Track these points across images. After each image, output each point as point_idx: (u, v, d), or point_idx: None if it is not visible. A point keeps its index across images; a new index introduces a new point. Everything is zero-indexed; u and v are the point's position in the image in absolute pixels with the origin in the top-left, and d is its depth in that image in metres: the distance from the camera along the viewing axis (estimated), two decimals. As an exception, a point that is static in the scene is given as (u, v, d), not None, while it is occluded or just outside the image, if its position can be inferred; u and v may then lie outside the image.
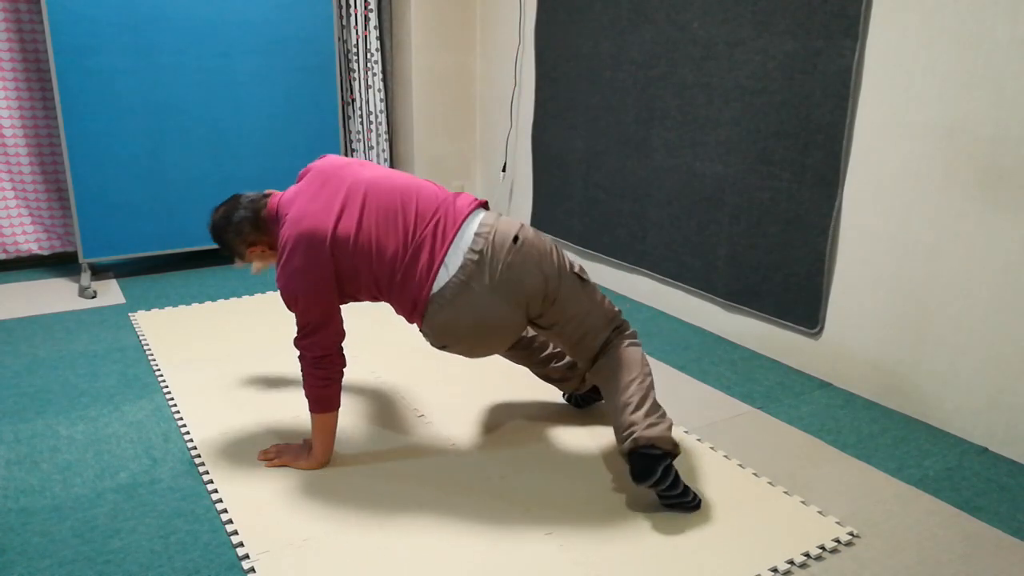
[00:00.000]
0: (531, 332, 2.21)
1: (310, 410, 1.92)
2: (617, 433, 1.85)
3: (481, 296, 1.80)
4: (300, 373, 1.94)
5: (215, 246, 3.58)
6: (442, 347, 1.90)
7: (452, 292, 1.80)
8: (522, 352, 2.22)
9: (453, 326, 1.83)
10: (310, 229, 1.81)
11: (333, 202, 1.84)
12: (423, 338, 2.86)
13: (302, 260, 1.80)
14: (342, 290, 1.88)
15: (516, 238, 1.83)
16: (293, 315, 1.95)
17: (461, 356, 2.13)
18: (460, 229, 1.84)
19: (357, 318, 3.03)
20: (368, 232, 1.83)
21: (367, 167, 1.94)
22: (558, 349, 2.21)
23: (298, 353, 1.90)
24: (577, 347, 1.98)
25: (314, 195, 1.87)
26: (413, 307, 1.84)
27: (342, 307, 3.08)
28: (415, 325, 2.01)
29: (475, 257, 1.80)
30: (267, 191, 2.01)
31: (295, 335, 1.91)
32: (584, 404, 2.33)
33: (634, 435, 1.78)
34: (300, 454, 2.00)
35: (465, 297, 1.80)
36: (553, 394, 2.41)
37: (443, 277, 1.80)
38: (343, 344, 2.01)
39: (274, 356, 2.66)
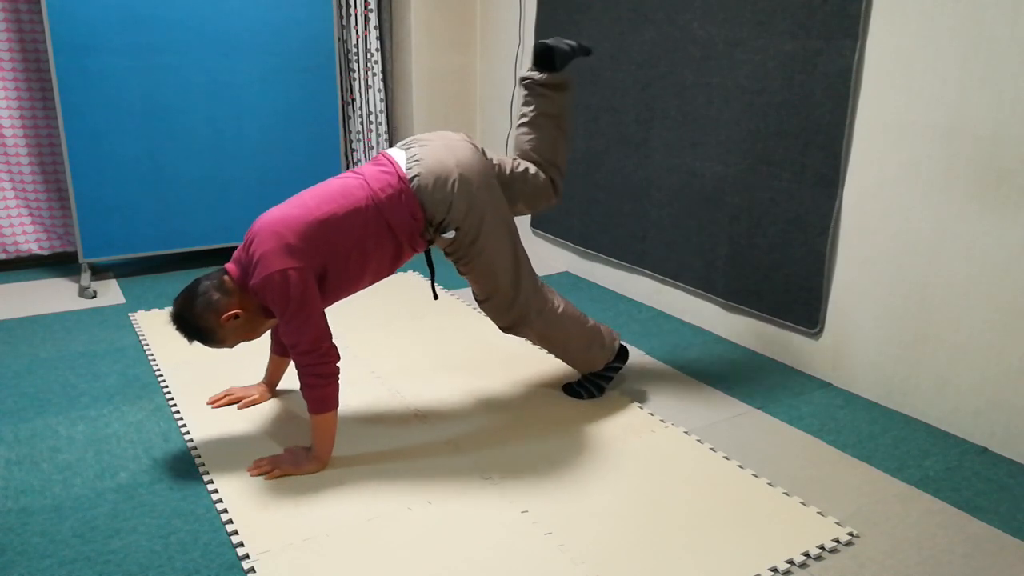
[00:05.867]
0: None
1: (311, 412, 1.92)
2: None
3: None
4: (298, 377, 1.94)
5: (215, 246, 3.58)
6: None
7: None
8: None
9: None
10: (280, 249, 1.85)
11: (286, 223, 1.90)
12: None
13: (298, 289, 1.84)
14: (328, 289, 1.96)
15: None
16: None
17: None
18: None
19: (357, 318, 3.03)
20: (321, 207, 1.92)
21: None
22: None
23: (297, 363, 1.90)
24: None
25: (265, 239, 1.89)
26: (412, 217, 1.97)
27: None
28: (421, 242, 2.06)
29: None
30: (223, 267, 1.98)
31: (294, 351, 1.90)
32: (575, 394, 2.39)
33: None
34: (299, 460, 1.97)
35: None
36: (554, 394, 2.41)
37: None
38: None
39: (274, 356, 2.66)
